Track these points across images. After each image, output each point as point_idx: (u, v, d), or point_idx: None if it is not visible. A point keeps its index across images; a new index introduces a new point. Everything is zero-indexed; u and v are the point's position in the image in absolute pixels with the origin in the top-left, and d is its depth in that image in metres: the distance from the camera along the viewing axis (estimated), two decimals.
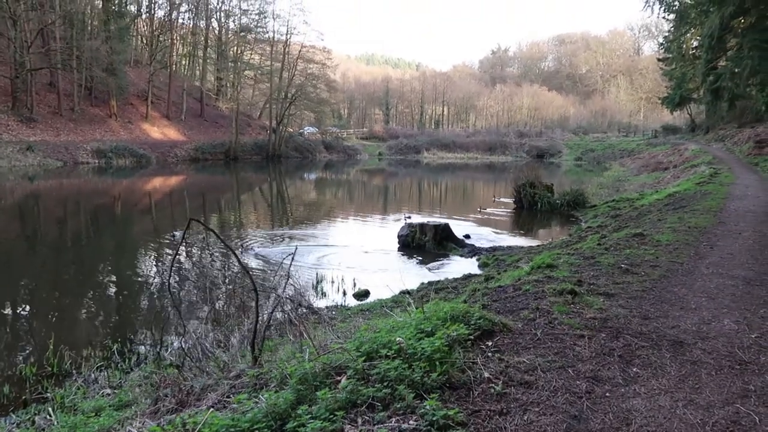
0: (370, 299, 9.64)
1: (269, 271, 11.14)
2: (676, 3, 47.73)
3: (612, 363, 3.70)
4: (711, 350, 4.00)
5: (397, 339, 3.56)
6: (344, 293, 9.99)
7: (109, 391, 5.12)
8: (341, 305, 9.14)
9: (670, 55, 58.33)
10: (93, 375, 5.91)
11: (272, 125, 64.72)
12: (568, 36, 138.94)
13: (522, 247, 14.02)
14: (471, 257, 13.13)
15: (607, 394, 3.24)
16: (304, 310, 6.39)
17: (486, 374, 3.37)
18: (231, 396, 3.34)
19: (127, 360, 6.37)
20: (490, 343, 3.95)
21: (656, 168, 37.54)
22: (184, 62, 77.64)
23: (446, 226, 14.06)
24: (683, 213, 12.17)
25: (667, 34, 61.86)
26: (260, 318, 4.52)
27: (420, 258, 13.32)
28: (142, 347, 7.00)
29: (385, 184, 45.32)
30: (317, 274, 11.07)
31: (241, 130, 66.51)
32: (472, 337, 3.90)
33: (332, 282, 10.63)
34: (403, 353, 3.38)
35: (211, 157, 58.99)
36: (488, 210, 23.11)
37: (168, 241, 14.82)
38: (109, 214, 23.17)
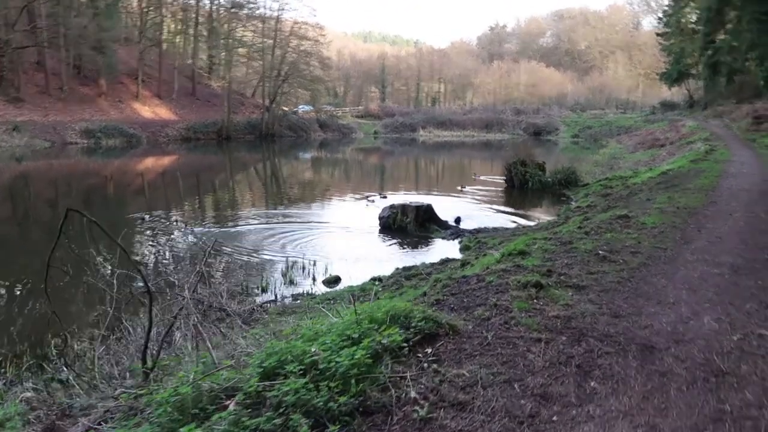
0: (340, 286, 9.12)
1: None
2: None
3: (567, 375, 3.16)
4: (685, 357, 3.46)
5: (313, 350, 3.01)
6: (314, 279, 9.46)
7: None
8: (307, 294, 8.62)
9: (669, 30, 57.44)
10: None
11: (265, 104, 63.72)
12: (567, 11, 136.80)
13: (507, 229, 13.50)
14: (453, 239, 12.60)
15: (554, 418, 2.71)
16: (221, 313, 5.81)
17: (413, 393, 2.83)
18: (103, 423, 2.81)
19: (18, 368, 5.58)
20: (429, 351, 3.41)
21: (653, 145, 36.84)
22: (176, 40, 76.26)
23: (429, 207, 13.50)
24: (674, 192, 11.60)
25: (666, 8, 60.78)
26: (154, 324, 3.98)
27: (400, 240, 12.80)
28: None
29: (380, 162, 44.65)
30: (287, 259, 10.53)
31: (234, 109, 65.48)
32: (408, 343, 3.36)
33: (303, 268, 10.10)
34: (315, 369, 2.84)
35: (203, 136, 58.09)
36: (467, 189, 22.55)
37: (138, 225, 14.28)
38: (98, 196, 22.58)
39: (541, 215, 16.18)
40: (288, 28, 64.21)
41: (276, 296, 8.45)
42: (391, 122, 75.74)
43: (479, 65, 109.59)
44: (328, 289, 8.92)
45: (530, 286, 4.72)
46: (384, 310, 3.69)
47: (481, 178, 26.55)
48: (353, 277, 9.54)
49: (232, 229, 13.89)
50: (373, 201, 19.30)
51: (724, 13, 33.54)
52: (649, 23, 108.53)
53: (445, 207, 17.52)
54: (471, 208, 17.61)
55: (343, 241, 12.59)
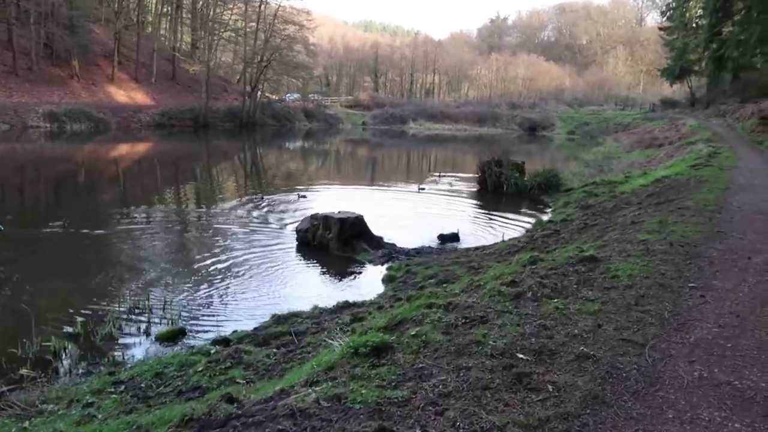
0: (182, 344, 6.31)
1: None
2: None
3: None
4: None
5: None
6: (147, 333, 6.63)
7: None
8: (103, 369, 5.76)
9: (672, 24, 54.57)
10: None
11: (247, 90, 60.67)
12: (569, 5, 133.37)
13: (456, 249, 10.69)
14: (382, 264, 9.77)
15: None
16: None
17: None
18: None
19: None
20: None
21: (650, 144, 34.01)
22: (158, 21, 73.02)
23: (357, 221, 10.64)
24: (668, 212, 8.79)
25: (670, 1, 57.80)
26: None
27: (315, 263, 9.99)
28: None
29: (366, 155, 41.80)
30: (138, 296, 7.69)
31: (216, 95, 62.41)
32: None
33: (146, 311, 7.25)
34: None
35: (178, 123, 55.05)
36: (430, 188, 19.83)
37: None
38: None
39: (508, 228, 13.33)
40: (273, 12, 60.98)
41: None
42: (380, 113, 72.76)
43: (476, 57, 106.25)
44: (144, 354, 6.08)
45: None
46: None
47: (446, 176, 23.72)
48: (209, 327, 6.78)
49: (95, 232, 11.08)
50: (304, 196, 17.30)
51: (731, 3, 30.59)
52: (653, 19, 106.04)
53: (395, 213, 14.82)
54: (424, 215, 14.74)
55: (240, 264, 9.75)
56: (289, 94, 73.95)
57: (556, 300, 4.37)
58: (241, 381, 4.69)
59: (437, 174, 24.78)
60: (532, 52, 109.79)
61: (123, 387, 4.93)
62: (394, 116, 71.59)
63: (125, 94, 59.27)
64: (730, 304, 4.49)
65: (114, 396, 4.63)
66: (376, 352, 3.39)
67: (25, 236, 11.36)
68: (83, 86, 56.75)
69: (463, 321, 3.93)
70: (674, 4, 54.02)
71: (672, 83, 60.20)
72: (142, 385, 4.94)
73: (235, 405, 3.17)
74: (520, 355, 3.32)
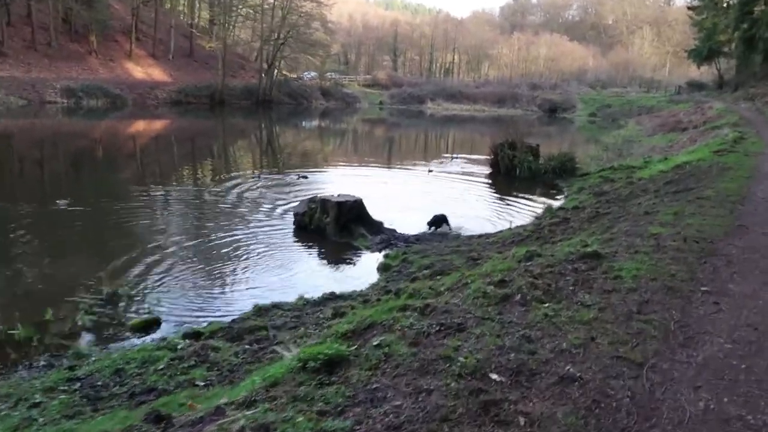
0: (155, 335, 5.94)
1: None
2: None
3: None
4: None
5: None
6: (121, 323, 6.26)
7: None
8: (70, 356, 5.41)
9: (702, 3, 52.59)
10: None
11: (263, 67, 60.10)
12: None
13: (459, 236, 10.19)
14: (380, 251, 9.30)
15: None
16: None
17: None
18: None
19: None
20: None
21: (674, 128, 32.86)
22: None
23: (356, 205, 10.15)
24: (686, 202, 8.18)
25: None
26: None
27: (310, 249, 9.55)
28: None
29: (380, 135, 41.18)
30: (118, 280, 7.34)
31: (233, 73, 61.99)
32: None
33: (123, 298, 6.90)
34: None
35: (195, 100, 54.79)
36: (440, 170, 19.30)
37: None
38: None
39: (518, 214, 12.78)
40: None
41: None
42: (398, 92, 71.79)
43: (497, 36, 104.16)
44: (119, 343, 5.72)
45: None
46: None
47: (459, 158, 23.14)
48: (187, 316, 6.41)
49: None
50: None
51: None
52: None
53: (401, 196, 14.35)
54: (430, 199, 14.21)
55: (231, 247, 9.36)
56: (306, 73, 73.22)
57: (547, 305, 3.87)
58: (201, 383, 4.29)
59: (449, 156, 24.17)
60: (556, 31, 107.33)
61: (78, 385, 4.56)
62: (412, 96, 70.59)
63: (142, 70, 59.14)
64: (747, 313, 3.95)
65: (63, 396, 4.26)
66: (328, 367, 2.94)
67: (23, 213, 11.08)
68: (101, 62, 56.70)
69: (437, 329, 3.45)
70: None
71: (699, 65, 58.34)
72: (99, 383, 4.56)
73: (162, 424, 2.75)
74: (494, 376, 2.84)
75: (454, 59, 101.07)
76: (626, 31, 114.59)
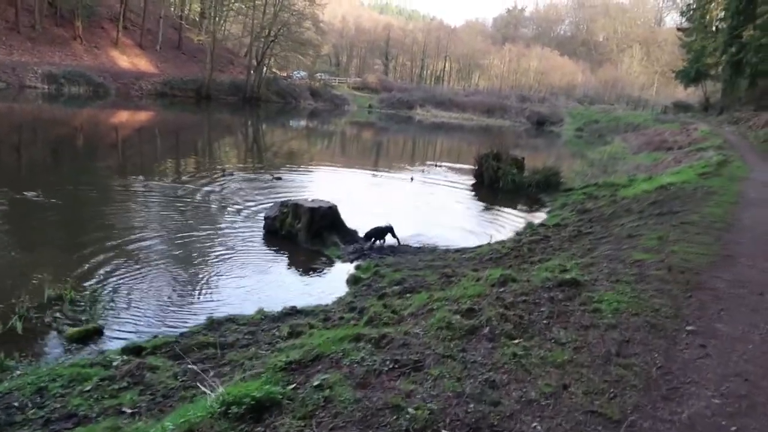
0: (94, 347, 5.44)
1: None
2: None
3: None
4: None
5: None
6: (59, 330, 5.74)
7: None
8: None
9: (692, 25, 53.06)
10: None
11: (252, 64, 59.42)
12: (589, 0, 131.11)
13: (434, 250, 9.76)
14: (351, 261, 8.87)
15: None
16: None
17: None
18: None
19: None
20: None
21: (659, 147, 32.82)
22: None
23: (329, 211, 9.70)
24: (670, 226, 7.86)
25: (691, 1, 56.17)
26: None
27: (278, 256, 9.06)
28: None
29: (366, 138, 40.73)
30: (64, 282, 6.81)
31: (221, 68, 61.20)
32: None
33: (66, 302, 6.37)
34: None
35: (180, 93, 53.96)
36: (420, 178, 18.92)
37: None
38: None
39: (498, 228, 12.42)
40: None
41: None
42: (388, 97, 71.49)
43: (489, 46, 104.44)
44: (66, 351, 5.23)
45: None
46: None
47: (443, 166, 22.87)
48: (133, 326, 5.92)
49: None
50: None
51: (755, 6, 29.27)
52: (672, 19, 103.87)
53: (378, 203, 13.92)
54: (409, 208, 13.84)
55: (194, 251, 8.86)
56: (296, 72, 72.64)
57: (517, 341, 3.46)
58: (128, 410, 3.81)
59: (433, 163, 23.83)
60: (547, 45, 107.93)
61: None
62: (402, 101, 70.35)
63: (128, 59, 58.16)
64: (736, 360, 3.58)
65: None
66: (254, 413, 2.50)
67: None
68: (86, 48, 55.64)
69: (391, 366, 3.03)
70: (695, 4, 52.48)
71: (686, 86, 58.85)
72: (15, 404, 4.07)
73: None
74: None
75: (445, 67, 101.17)
76: (616, 48, 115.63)
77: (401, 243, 9.94)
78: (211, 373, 4.45)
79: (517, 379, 2.98)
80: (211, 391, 2.61)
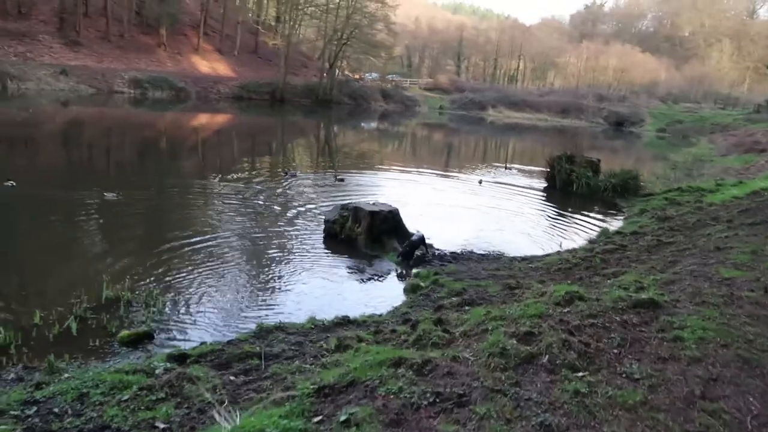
0: (142, 352, 5.39)
1: None
2: None
3: None
4: None
5: None
6: (111, 333, 5.73)
7: None
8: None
9: None
10: None
11: (325, 67, 60.26)
12: None
13: (500, 257, 9.27)
14: (412, 268, 8.53)
15: None
16: None
17: None
18: None
19: None
20: None
21: (750, 149, 30.58)
22: None
23: (390, 215, 9.41)
24: (765, 237, 7.05)
25: None
26: None
27: (336, 261, 8.84)
28: None
29: (437, 140, 40.36)
30: (122, 284, 6.86)
31: (295, 71, 62.39)
32: None
33: (122, 304, 6.39)
34: None
35: (256, 96, 55.42)
36: (490, 183, 18.23)
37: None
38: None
39: (570, 235, 11.73)
40: None
41: None
42: (459, 98, 70.58)
43: (565, 44, 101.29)
44: (116, 354, 5.20)
45: None
46: None
47: (514, 168, 22.12)
48: (183, 331, 5.85)
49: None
50: (294, 174, 16.50)
51: None
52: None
53: (445, 206, 13.53)
54: (477, 211, 13.35)
55: (251, 254, 8.80)
56: (368, 74, 73.09)
57: (581, 374, 3.03)
58: (161, 425, 3.65)
59: (504, 166, 23.14)
60: (627, 42, 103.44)
61: (33, 410, 4.01)
62: (474, 102, 69.27)
63: (208, 64, 60.44)
64: None
65: (4, 427, 3.70)
66: None
67: (65, 203, 10.92)
68: (169, 55, 58.31)
69: (431, 400, 2.68)
70: None
71: None
72: (56, 410, 4.00)
73: None
74: None
75: (519, 66, 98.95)
76: (703, 43, 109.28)
77: (428, 252, 9.12)
78: (252, 387, 4.24)
79: (578, 424, 2.56)
80: (227, 422, 2.36)
